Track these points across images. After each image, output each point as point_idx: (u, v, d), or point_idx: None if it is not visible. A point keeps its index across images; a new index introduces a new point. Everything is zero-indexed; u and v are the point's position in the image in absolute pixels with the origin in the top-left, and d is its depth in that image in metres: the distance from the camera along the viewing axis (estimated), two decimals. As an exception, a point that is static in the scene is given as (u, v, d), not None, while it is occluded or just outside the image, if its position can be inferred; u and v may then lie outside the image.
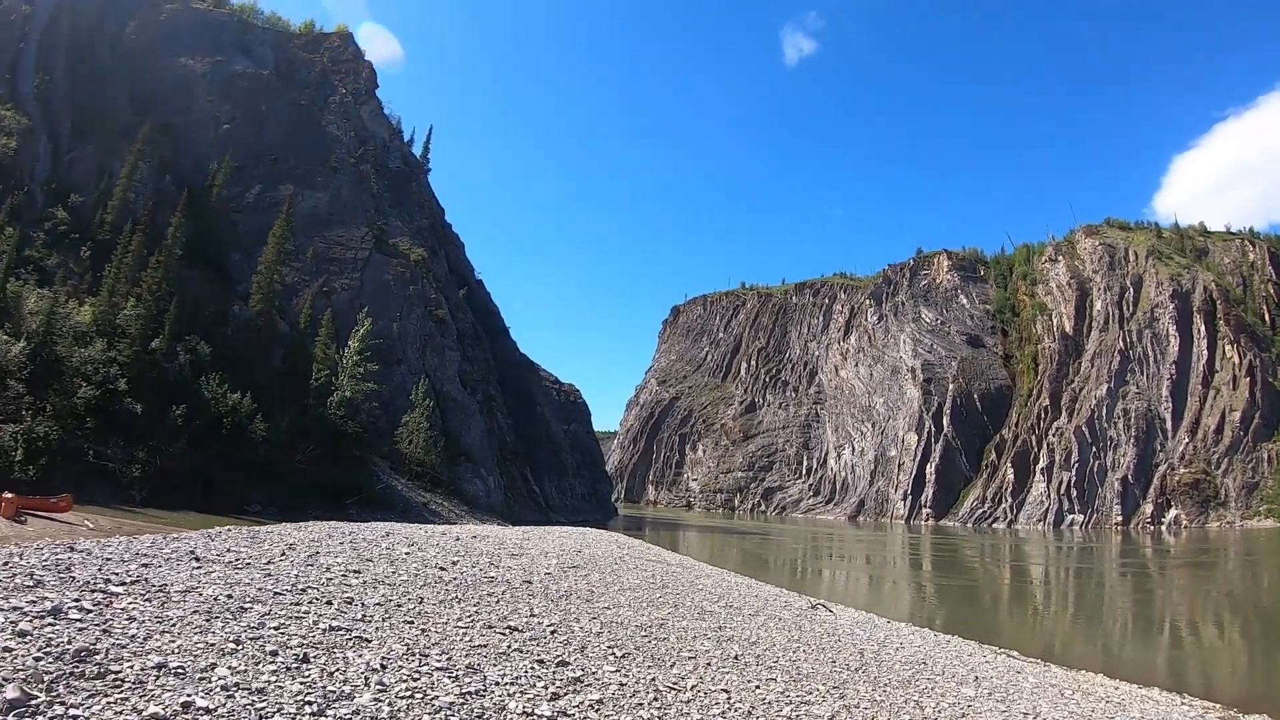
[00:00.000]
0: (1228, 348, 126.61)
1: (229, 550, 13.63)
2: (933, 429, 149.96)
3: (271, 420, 39.04)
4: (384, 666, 7.56)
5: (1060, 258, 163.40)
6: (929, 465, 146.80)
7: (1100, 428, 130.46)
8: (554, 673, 8.65)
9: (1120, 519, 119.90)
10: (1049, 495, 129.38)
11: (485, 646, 9.42)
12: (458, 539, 22.25)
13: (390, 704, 6.41)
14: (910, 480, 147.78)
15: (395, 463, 51.23)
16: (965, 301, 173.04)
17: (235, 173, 59.17)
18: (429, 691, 6.89)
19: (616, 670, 9.40)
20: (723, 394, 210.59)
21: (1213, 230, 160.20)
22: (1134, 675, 18.98)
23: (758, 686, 9.95)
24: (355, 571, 13.34)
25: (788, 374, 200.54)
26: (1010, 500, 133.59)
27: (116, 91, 58.98)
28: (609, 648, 10.68)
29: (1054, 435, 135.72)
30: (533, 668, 8.70)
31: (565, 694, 7.82)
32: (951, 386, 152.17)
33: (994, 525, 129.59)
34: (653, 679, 9.27)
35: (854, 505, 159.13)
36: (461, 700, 6.88)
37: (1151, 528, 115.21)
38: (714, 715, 8.22)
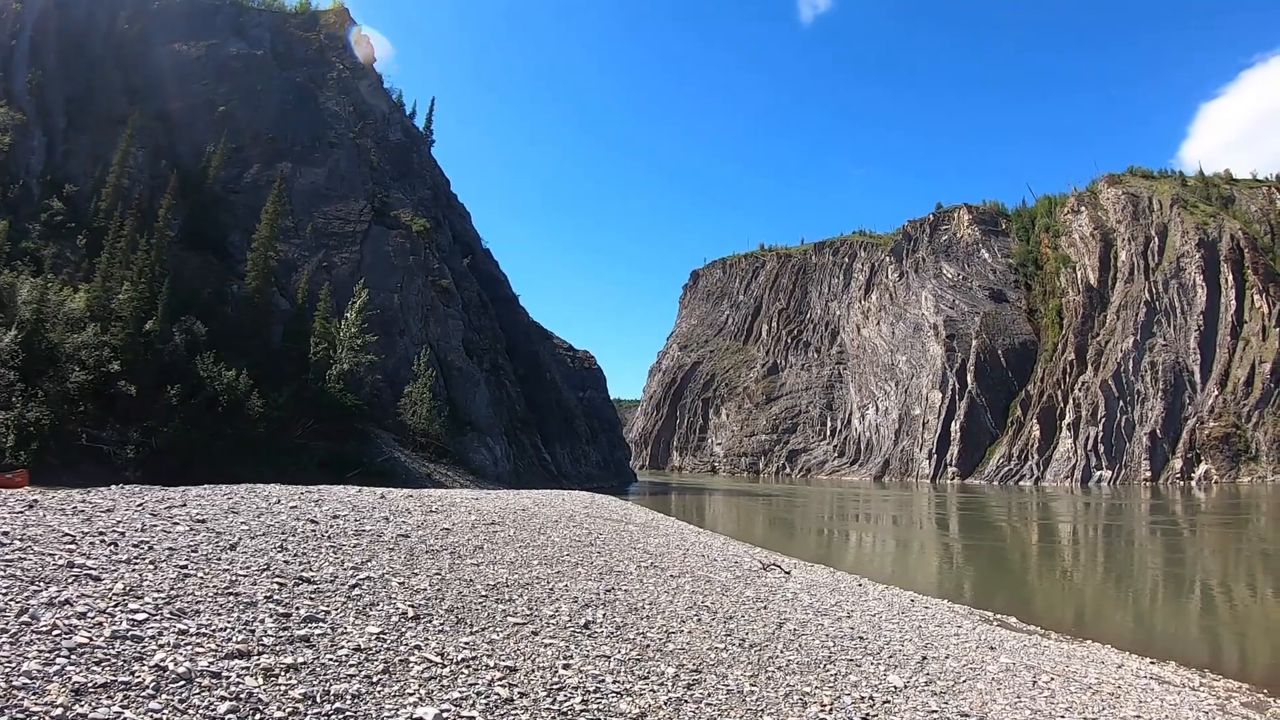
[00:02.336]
0: (1256, 297, 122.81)
1: (85, 503, 12.74)
2: (956, 386, 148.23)
3: (269, 396, 39.21)
4: (67, 603, 7.05)
5: (1083, 208, 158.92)
6: (954, 423, 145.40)
7: (1127, 381, 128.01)
8: (283, 629, 7.67)
9: (1149, 474, 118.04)
10: (1076, 451, 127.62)
11: (236, 595, 8.46)
12: (383, 497, 20.93)
13: (11, 637, 6.10)
14: (935, 439, 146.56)
15: (400, 435, 50.90)
16: (987, 256, 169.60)
17: (232, 154, 59.72)
18: (73, 633, 6.41)
19: (381, 631, 8.25)
20: (744, 357, 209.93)
21: (1239, 177, 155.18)
22: (1151, 647, 17.30)
23: (567, 664, 8.36)
24: (201, 520, 12.39)
25: (809, 334, 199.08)
26: (1037, 457, 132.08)
27: (110, 82, 59.63)
28: (405, 608, 9.36)
29: (1080, 390, 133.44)
30: (260, 622, 7.74)
31: (258, 653, 6.87)
32: (975, 342, 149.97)
33: (1021, 483, 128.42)
34: (415, 646, 8.01)
35: (879, 465, 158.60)
36: (106, 644, 6.30)
37: (1181, 483, 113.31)
38: (450, 696, 6.79)
